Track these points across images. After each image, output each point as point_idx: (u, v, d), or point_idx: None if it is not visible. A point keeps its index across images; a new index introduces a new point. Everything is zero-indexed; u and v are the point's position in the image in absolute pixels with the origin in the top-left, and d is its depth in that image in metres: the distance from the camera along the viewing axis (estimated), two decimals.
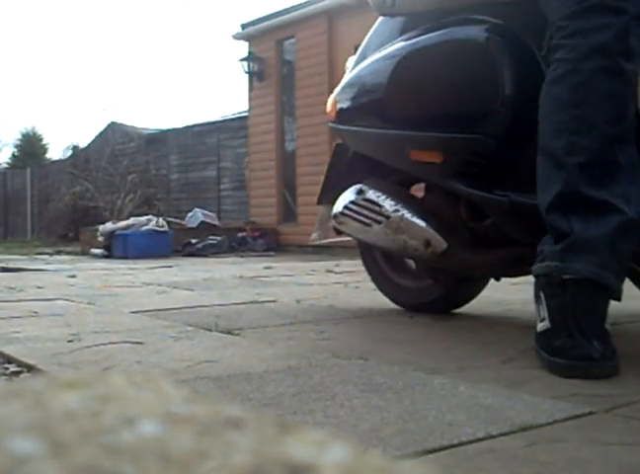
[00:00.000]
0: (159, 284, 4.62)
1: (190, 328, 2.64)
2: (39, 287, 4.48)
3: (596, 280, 1.90)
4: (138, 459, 0.33)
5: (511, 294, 3.73)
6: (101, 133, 18.59)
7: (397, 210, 2.76)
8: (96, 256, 10.11)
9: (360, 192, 2.87)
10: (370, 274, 3.29)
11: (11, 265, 7.56)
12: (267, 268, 6.35)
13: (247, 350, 2.22)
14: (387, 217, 2.77)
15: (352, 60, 3.16)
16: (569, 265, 1.94)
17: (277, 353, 2.15)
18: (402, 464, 0.37)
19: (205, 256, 9.53)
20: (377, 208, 2.81)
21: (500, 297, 3.60)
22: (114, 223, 10.57)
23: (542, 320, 1.99)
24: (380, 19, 2.98)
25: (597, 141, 1.96)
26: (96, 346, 2.27)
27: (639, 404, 1.52)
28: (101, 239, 10.23)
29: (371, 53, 2.91)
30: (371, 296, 3.69)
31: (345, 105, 2.95)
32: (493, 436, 1.29)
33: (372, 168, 2.90)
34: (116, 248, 9.90)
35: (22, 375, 1.95)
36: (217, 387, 1.71)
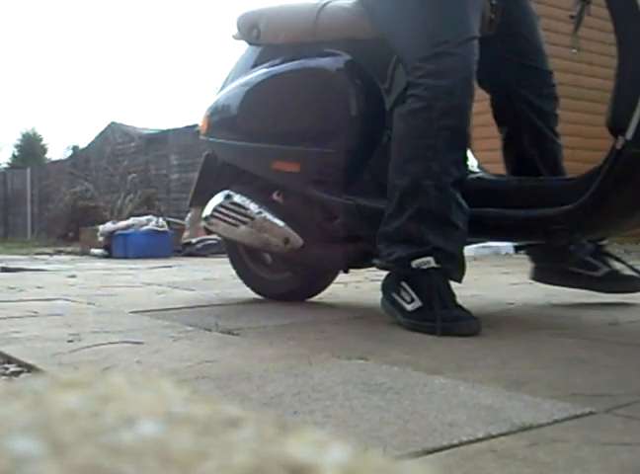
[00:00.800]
0: (159, 284, 4.62)
1: (190, 328, 2.64)
2: (38, 287, 4.48)
3: (448, 272, 2.58)
4: (138, 459, 0.33)
5: (510, 294, 3.73)
6: (101, 133, 18.59)
7: (260, 212, 3.20)
8: (96, 256, 10.11)
9: (227, 196, 3.29)
10: (235, 268, 3.70)
11: (11, 265, 7.55)
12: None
13: (247, 350, 2.22)
14: (252, 218, 3.20)
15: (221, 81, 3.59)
16: (427, 259, 2.55)
17: (277, 352, 2.15)
18: (402, 464, 0.36)
19: (205, 256, 9.53)
20: (243, 211, 3.23)
21: (499, 297, 3.60)
22: (114, 223, 10.57)
23: (411, 301, 2.55)
24: (247, 46, 3.42)
25: (446, 169, 2.54)
26: (96, 346, 2.27)
27: (639, 404, 1.52)
28: (101, 239, 10.23)
29: (238, 77, 3.34)
30: (372, 297, 3.69)
31: (215, 120, 3.36)
32: (493, 436, 1.29)
33: (238, 175, 3.34)
34: (116, 248, 9.90)
35: (22, 375, 1.95)
36: (217, 387, 1.71)
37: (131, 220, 10.44)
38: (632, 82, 2.41)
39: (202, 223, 3.43)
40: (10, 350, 2.22)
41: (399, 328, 2.62)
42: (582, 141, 8.63)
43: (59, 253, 11.49)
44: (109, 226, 10.37)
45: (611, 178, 2.47)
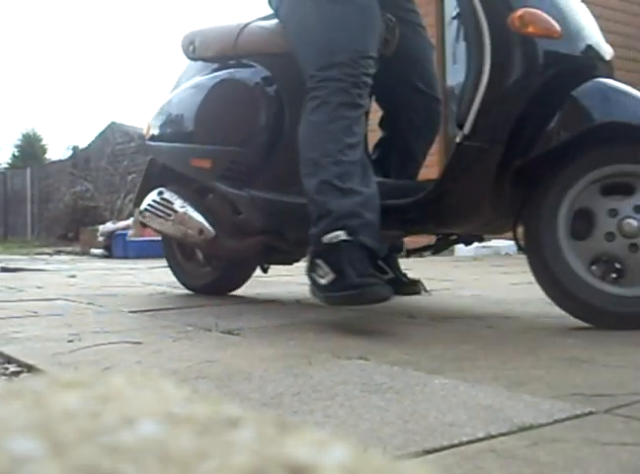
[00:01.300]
0: (159, 284, 4.62)
1: (189, 328, 2.64)
2: (38, 287, 4.48)
3: (356, 241, 2.65)
4: (138, 459, 0.33)
5: (510, 294, 3.73)
6: (101, 133, 18.58)
7: (183, 206, 3.57)
8: (96, 256, 10.11)
9: (159, 192, 3.68)
10: (167, 260, 4.16)
11: (11, 265, 7.56)
12: (268, 267, 6.34)
13: (247, 350, 2.22)
14: (175, 212, 3.59)
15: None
16: (336, 233, 2.67)
17: (276, 352, 2.15)
18: (402, 464, 0.37)
19: None
20: (169, 205, 3.62)
21: (500, 297, 3.60)
22: (114, 223, 10.57)
23: (325, 276, 2.66)
24: (188, 61, 3.81)
25: (341, 149, 2.77)
26: (96, 346, 2.27)
27: (639, 404, 1.52)
28: (101, 239, 10.23)
29: (177, 87, 3.81)
30: None
31: (153, 126, 3.80)
32: (493, 436, 1.29)
33: (173, 175, 3.70)
34: (115, 248, 9.90)
35: (22, 375, 1.95)
36: (217, 387, 1.71)
37: (131, 220, 10.43)
38: (472, 83, 2.70)
39: (140, 217, 3.84)
40: (10, 350, 2.22)
41: (399, 328, 2.62)
42: None
43: (59, 253, 11.49)
44: (109, 226, 10.38)
45: (452, 169, 2.79)
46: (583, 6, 2.88)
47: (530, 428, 1.34)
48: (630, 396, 1.58)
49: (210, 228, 3.49)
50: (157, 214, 3.66)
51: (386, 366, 1.92)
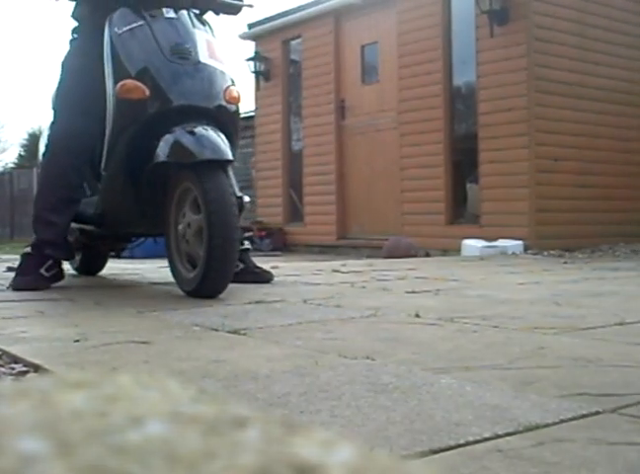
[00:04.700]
0: (165, 284, 4.62)
1: (196, 328, 2.65)
2: None
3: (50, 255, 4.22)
4: (145, 459, 0.33)
5: (517, 294, 3.72)
6: None
7: None
8: None
9: None
10: None
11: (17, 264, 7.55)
12: (273, 267, 6.33)
13: (254, 349, 2.22)
14: None
15: None
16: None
17: (283, 352, 2.15)
18: (409, 464, 0.37)
19: None
20: None
21: (506, 297, 3.60)
22: None
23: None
24: None
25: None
26: (102, 345, 2.27)
27: None
28: None
29: None
30: (378, 296, 3.69)
31: None
32: (499, 436, 1.29)
33: None
34: None
35: (28, 375, 1.95)
36: (224, 387, 1.71)
37: None
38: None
39: None
40: (17, 349, 2.23)
41: (405, 328, 2.62)
42: (587, 141, 8.62)
43: None
44: None
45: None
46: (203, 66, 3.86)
47: (537, 427, 1.34)
48: (637, 396, 1.58)
49: None
50: None
51: (393, 366, 1.92)
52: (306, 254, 9.86)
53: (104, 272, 5.49)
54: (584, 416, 1.42)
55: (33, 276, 4.11)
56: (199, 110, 3.80)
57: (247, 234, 11.06)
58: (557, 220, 8.23)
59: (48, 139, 4.33)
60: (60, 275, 4.30)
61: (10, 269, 6.84)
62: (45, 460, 0.32)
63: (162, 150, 3.65)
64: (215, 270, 3.50)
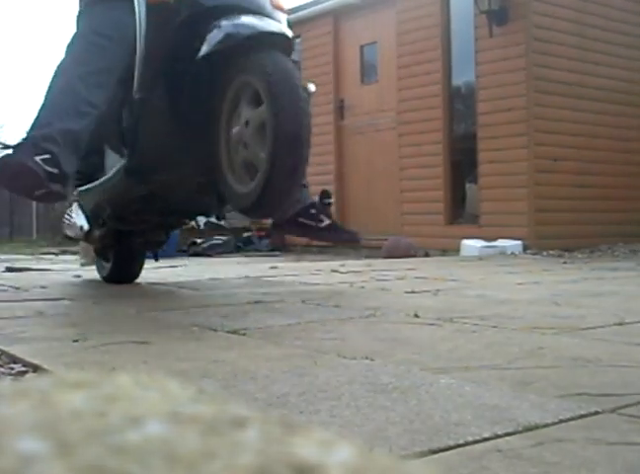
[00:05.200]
0: (165, 284, 4.62)
1: (195, 328, 2.64)
2: (44, 287, 4.49)
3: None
4: (144, 459, 0.33)
5: (516, 294, 3.72)
6: None
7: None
8: None
9: (70, 203, 4.17)
10: (95, 264, 4.83)
11: (16, 265, 7.56)
12: (272, 267, 6.35)
13: (253, 349, 2.22)
14: (71, 216, 4.12)
15: None
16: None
17: (282, 352, 2.15)
18: (408, 464, 0.37)
19: (211, 256, 9.52)
20: (69, 212, 4.15)
21: (505, 297, 3.60)
22: None
23: None
24: None
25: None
26: (102, 346, 2.27)
27: None
28: None
29: None
30: (377, 296, 3.69)
31: None
32: (499, 436, 1.29)
33: None
34: None
35: (27, 375, 1.95)
36: (223, 387, 1.71)
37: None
38: None
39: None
40: (16, 349, 2.22)
41: (405, 328, 2.62)
42: (586, 141, 8.62)
43: (65, 253, 11.49)
44: None
45: (131, 127, 3.50)
46: None
47: (536, 427, 1.34)
48: (636, 396, 1.58)
49: (86, 224, 4.04)
50: (65, 222, 4.24)
51: (392, 366, 1.92)
52: (305, 254, 9.86)
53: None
54: (583, 416, 1.42)
55: (24, 157, 3.01)
56: (238, 10, 3.23)
57: (246, 234, 11.13)
58: (556, 220, 8.23)
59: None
60: (62, 189, 3.14)
61: (9, 269, 6.84)
62: (45, 460, 0.32)
63: (209, 41, 3.08)
64: (281, 175, 2.91)
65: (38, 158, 3.00)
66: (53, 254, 11.08)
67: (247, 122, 3.06)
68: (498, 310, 3.10)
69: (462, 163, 9.03)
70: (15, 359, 2.12)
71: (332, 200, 3.92)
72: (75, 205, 4.12)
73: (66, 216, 4.22)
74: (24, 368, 2.02)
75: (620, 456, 1.17)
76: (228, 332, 2.54)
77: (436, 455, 1.20)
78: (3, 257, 9.54)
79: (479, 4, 8.26)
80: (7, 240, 19.09)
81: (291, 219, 3.77)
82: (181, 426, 0.36)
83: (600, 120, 8.77)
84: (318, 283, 4.46)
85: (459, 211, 8.97)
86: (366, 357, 2.04)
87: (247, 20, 3.14)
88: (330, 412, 1.47)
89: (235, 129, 3.15)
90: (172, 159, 3.60)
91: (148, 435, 0.35)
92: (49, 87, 3.24)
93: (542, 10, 8.24)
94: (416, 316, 2.90)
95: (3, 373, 1.99)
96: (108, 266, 4.60)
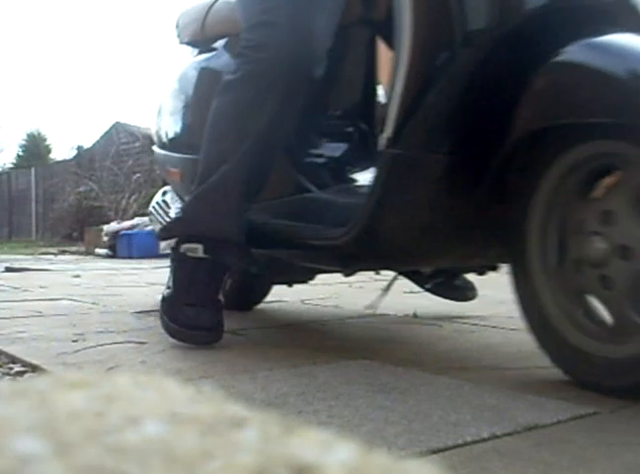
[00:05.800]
0: (163, 284, 4.62)
1: None
2: (43, 287, 4.49)
3: (216, 265, 2.29)
4: (143, 459, 0.33)
5: None
6: (105, 133, 18.59)
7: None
8: (100, 256, 10.13)
9: (164, 193, 3.30)
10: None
11: (15, 264, 7.57)
12: None
13: (251, 349, 2.22)
14: (168, 214, 3.19)
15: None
16: (188, 245, 2.31)
17: (281, 352, 2.15)
18: (407, 464, 0.36)
19: None
20: (166, 208, 3.21)
21: (504, 297, 3.59)
22: (118, 223, 10.59)
23: (168, 288, 2.39)
24: None
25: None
26: (100, 346, 2.27)
27: None
28: (105, 239, 10.25)
29: None
30: (375, 296, 3.68)
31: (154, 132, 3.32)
32: (498, 437, 1.29)
33: None
34: (120, 248, 9.91)
35: (26, 375, 1.95)
36: (222, 387, 1.71)
37: (136, 220, 10.45)
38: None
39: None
40: (14, 349, 2.22)
41: (404, 328, 2.62)
42: None
43: (64, 253, 11.51)
44: (113, 226, 10.39)
45: (379, 187, 1.99)
46: None
47: (535, 428, 1.34)
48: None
49: None
50: (157, 219, 3.28)
51: (391, 366, 1.92)
52: None
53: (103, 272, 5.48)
54: (582, 416, 1.42)
55: (210, 315, 2.28)
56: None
57: None
58: None
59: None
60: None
61: (9, 269, 6.84)
62: (43, 460, 0.32)
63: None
64: None
65: (220, 295, 2.38)
66: (52, 254, 11.09)
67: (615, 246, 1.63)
68: (497, 310, 3.10)
69: None
70: (14, 359, 2.12)
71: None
72: (176, 199, 3.27)
73: (156, 206, 3.38)
74: (23, 368, 2.02)
75: (619, 456, 1.17)
76: (227, 332, 2.54)
77: (434, 455, 1.20)
78: (2, 257, 9.54)
79: None
80: (6, 240, 19.10)
81: (447, 284, 3.21)
82: (179, 426, 0.36)
83: None
84: (317, 283, 4.46)
85: None
86: (365, 357, 2.04)
87: None
88: (329, 412, 1.47)
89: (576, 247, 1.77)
90: (439, 251, 2.24)
91: (147, 436, 0.35)
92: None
93: None
94: (415, 316, 2.90)
95: (2, 373, 1.99)
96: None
